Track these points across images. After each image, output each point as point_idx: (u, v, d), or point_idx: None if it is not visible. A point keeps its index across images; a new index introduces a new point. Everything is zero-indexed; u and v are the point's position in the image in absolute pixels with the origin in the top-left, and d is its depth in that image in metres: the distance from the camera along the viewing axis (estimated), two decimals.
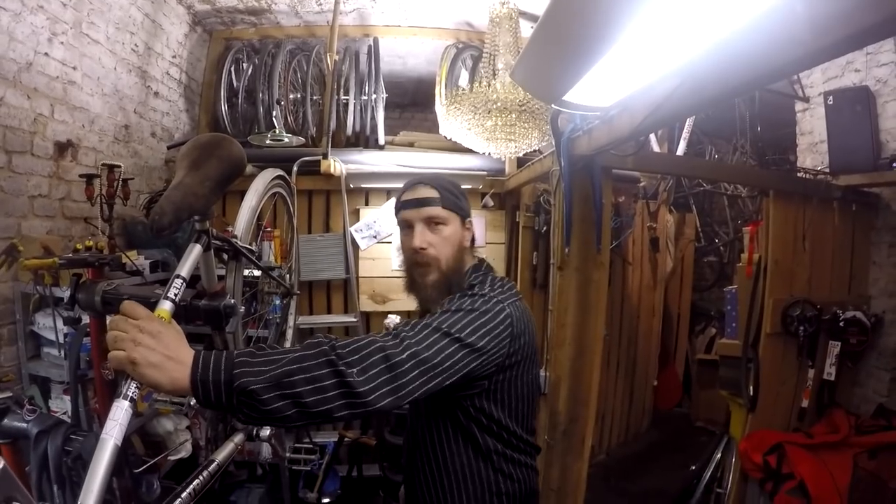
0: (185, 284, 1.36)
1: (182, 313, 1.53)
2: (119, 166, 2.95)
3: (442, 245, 1.59)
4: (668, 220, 5.22)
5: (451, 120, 2.99)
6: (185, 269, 1.38)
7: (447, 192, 1.61)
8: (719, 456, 3.66)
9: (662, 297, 5.25)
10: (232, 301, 1.53)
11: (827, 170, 3.35)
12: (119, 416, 1.12)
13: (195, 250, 1.44)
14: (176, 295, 1.32)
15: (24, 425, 2.05)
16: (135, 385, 1.17)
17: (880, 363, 3.24)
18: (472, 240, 1.70)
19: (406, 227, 1.64)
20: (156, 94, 3.93)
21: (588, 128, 2.23)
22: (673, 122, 2.72)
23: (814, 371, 3.22)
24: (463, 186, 1.70)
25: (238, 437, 1.85)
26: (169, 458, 2.99)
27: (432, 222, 1.59)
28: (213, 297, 1.54)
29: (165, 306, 1.30)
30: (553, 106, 1.61)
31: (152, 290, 1.48)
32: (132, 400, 1.15)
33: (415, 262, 1.62)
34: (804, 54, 1.07)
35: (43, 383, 2.74)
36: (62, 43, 2.91)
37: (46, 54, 2.81)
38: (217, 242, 1.61)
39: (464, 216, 1.65)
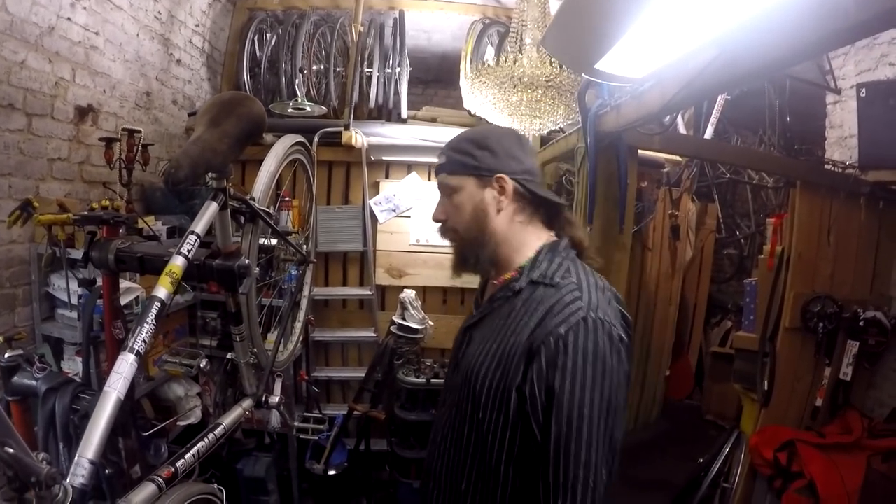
0: (198, 241, 1.34)
1: (195, 272, 1.52)
2: (139, 131, 2.94)
3: (455, 215, 1.43)
4: (691, 209, 5.15)
5: (475, 94, 2.94)
6: (199, 225, 1.36)
7: (455, 152, 1.42)
8: (728, 450, 3.61)
9: (680, 287, 5.18)
10: (246, 262, 1.52)
11: (856, 164, 3.26)
12: (124, 369, 1.11)
13: (211, 208, 1.42)
14: (189, 251, 1.31)
15: (34, 383, 2.05)
16: (142, 339, 1.16)
17: None
18: (533, 200, 1.41)
19: None
20: (178, 62, 3.90)
21: (617, 103, 2.18)
22: (705, 97, 2.64)
23: (830, 370, 3.17)
24: None
25: (246, 403, 1.84)
26: (178, 423, 3.01)
27: (445, 192, 1.45)
28: (227, 258, 1.52)
29: (178, 262, 1.28)
30: (584, 75, 1.55)
31: (166, 250, 1.46)
32: (138, 354, 1.14)
33: (443, 236, 1.52)
34: (846, 27, 1.02)
35: (56, 344, 2.74)
36: (85, 8, 2.89)
37: (69, 19, 2.79)
38: (234, 203, 1.59)
39: (482, 175, 1.39)
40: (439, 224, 1.49)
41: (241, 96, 1.57)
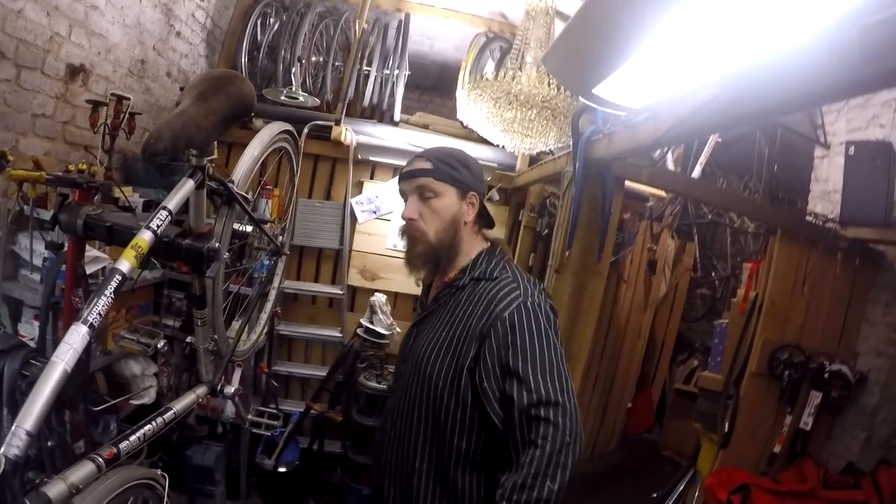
0: (170, 217, 1.30)
1: (163, 249, 1.48)
2: (128, 98, 2.89)
3: (431, 217, 1.58)
4: (669, 245, 5.17)
5: (470, 105, 2.92)
6: (172, 201, 1.32)
7: (443, 163, 1.58)
8: (682, 487, 3.62)
9: (651, 321, 5.20)
10: (216, 245, 1.48)
11: (837, 219, 3.30)
12: (74, 340, 1.06)
13: (187, 185, 1.38)
14: (158, 226, 1.27)
15: None
16: (97, 312, 1.12)
17: (857, 421, 3.21)
18: (482, 216, 1.66)
19: (403, 198, 1.65)
20: (178, 34, 3.85)
21: (610, 132, 2.18)
22: (699, 136, 2.67)
23: (791, 418, 3.20)
24: None
25: (201, 390, 1.79)
26: (131, 401, 2.93)
27: (423, 194, 1.58)
28: (197, 238, 1.48)
29: (145, 236, 1.24)
30: (581, 99, 1.54)
31: (138, 222, 1.42)
32: (92, 326, 1.10)
33: (404, 232, 1.65)
34: (851, 82, 1.03)
35: (15, 305, 2.66)
36: None
37: None
38: (212, 183, 1.54)
39: (463, 189, 1.60)
40: (406, 223, 1.61)
41: (232, 74, 1.53)
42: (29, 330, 2.61)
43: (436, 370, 1.48)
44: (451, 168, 1.58)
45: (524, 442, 1.30)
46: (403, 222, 1.64)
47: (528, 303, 1.42)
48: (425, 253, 1.59)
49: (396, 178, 4.02)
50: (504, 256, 1.62)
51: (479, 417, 1.42)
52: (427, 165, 1.58)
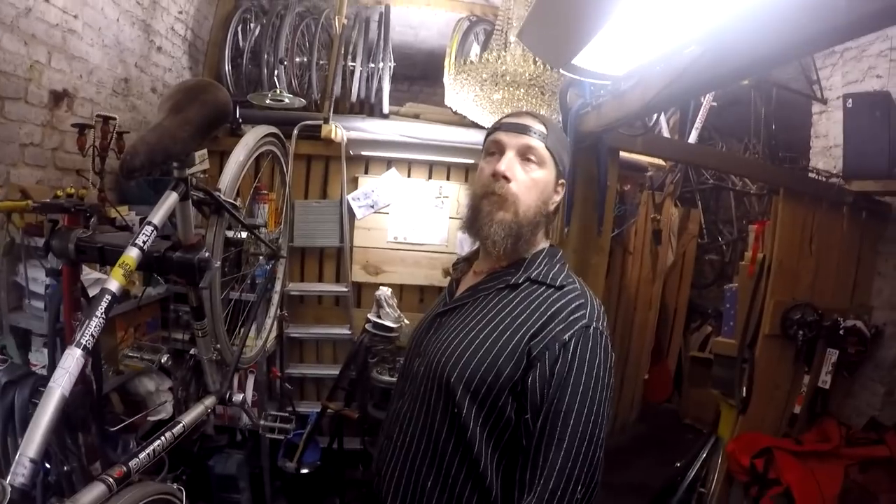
0: (155, 232, 1.29)
1: (155, 265, 1.47)
2: (114, 118, 2.86)
3: (528, 187, 1.33)
4: (673, 214, 5.14)
5: (458, 90, 2.90)
6: (157, 216, 1.31)
7: (554, 134, 1.37)
8: (705, 455, 3.60)
9: (660, 291, 5.18)
10: (206, 255, 1.46)
11: (840, 174, 3.26)
12: (69, 364, 1.05)
13: (170, 198, 1.37)
14: (145, 242, 1.25)
15: None
16: (90, 333, 1.11)
17: (876, 376, 3.18)
18: (557, 211, 1.45)
19: (492, 151, 1.38)
20: (159, 49, 3.82)
21: (598, 103, 2.15)
22: (689, 97, 2.61)
23: (809, 377, 3.17)
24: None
25: (209, 401, 1.79)
26: (148, 418, 2.94)
27: (528, 156, 1.33)
28: (187, 250, 1.47)
29: (132, 253, 1.23)
30: (562, 70, 1.50)
31: (127, 240, 1.40)
32: (86, 348, 1.09)
33: (490, 192, 1.34)
34: (837, 25, 0.99)
35: (24, 335, 2.66)
36: None
37: (47, 1, 2.70)
38: (197, 193, 1.53)
39: (560, 171, 1.38)
40: (497, 180, 1.33)
41: (205, 83, 1.51)
42: (40, 358, 2.61)
43: (464, 379, 1.25)
44: (559, 143, 1.38)
45: (529, 486, 1.18)
46: (481, 179, 1.38)
47: (592, 329, 1.24)
48: (509, 225, 1.31)
49: (391, 171, 4.11)
50: (565, 261, 1.41)
51: (509, 443, 1.25)
52: (541, 127, 1.34)
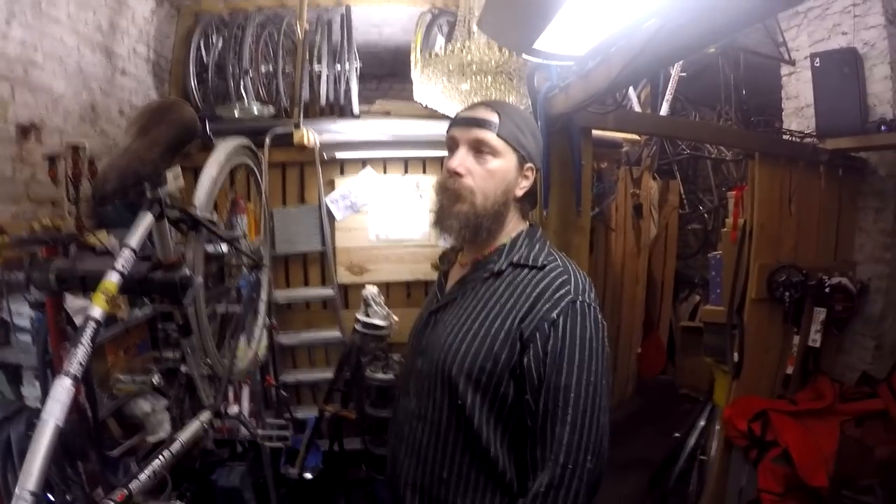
0: (134, 255, 1.29)
1: (137, 287, 1.47)
2: (83, 146, 2.84)
3: (484, 178, 1.34)
4: (652, 187, 5.16)
5: (426, 84, 2.89)
6: (134, 239, 1.31)
7: (510, 120, 1.36)
8: (703, 423, 3.64)
9: (646, 265, 5.21)
10: (188, 272, 1.46)
11: (814, 133, 3.28)
12: (60, 394, 1.05)
13: (146, 219, 1.37)
14: (124, 266, 1.25)
15: None
16: (78, 362, 1.11)
17: (865, 330, 3.21)
18: (529, 195, 1.43)
19: (450, 147, 1.41)
20: (123, 72, 3.78)
21: (565, 84, 2.16)
22: (654, 71, 2.62)
23: (799, 338, 3.19)
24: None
25: (204, 416, 1.79)
26: (147, 439, 2.93)
27: (480, 149, 1.35)
28: (168, 269, 1.46)
29: (112, 278, 1.23)
30: (524, 55, 1.51)
31: (107, 265, 1.40)
32: (75, 377, 1.09)
33: (445, 187, 1.38)
34: None
35: (14, 371, 2.64)
36: (21, 23, 2.76)
37: (4, 35, 2.66)
38: (172, 212, 1.53)
39: (523, 156, 1.38)
40: (450, 176, 1.37)
41: (169, 103, 1.52)
42: (32, 392, 2.59)
43: (464, 370, 1.29)
44: (518, 129, 1.36)
45: (543, 462, 1.22)
46: (441, 175, 1.42)
47: (579, 302, 1.27)
48: (466, 215, 1.35)
49: (366, 170, 4.10)
50: (545, 239, 1.43)
51: (516, 426, 1.30)
52: (493, 117, 1.35)
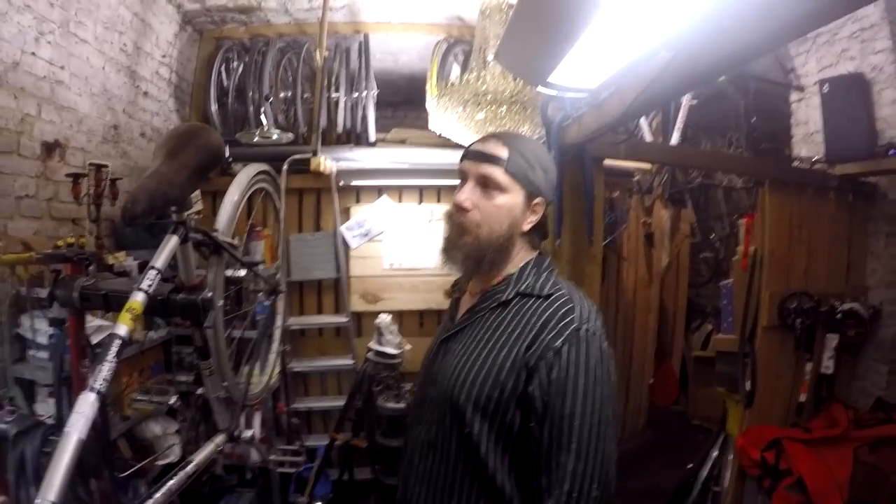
0: (159, 276, 1.32)
1: (159, 308, 1.50)
2: (106, 166, 2.90)
3: (488, 213, 1.36)
4: (664, 216, 5.18)
5: (441, 113, 2.94)
6: (160, 260, 1.34)
7: (520, 156, 1.36)
8: (716, 453, 3.61)
9: (658, 294, 5.21)
10: (209, 294, 1.49)
11: (823, 159, 3.30)
12: (84, 408, 1.08)
13: (171, 241, 1.40)
14: (150, 286, 1.28)
15: (3, 427, 2.01)
16: (103, 378, 1.13)
17: (878, 356, 3.19)
18: (538, 227, 1.44)
19: (461, 178, 1.42)
20: (145, 94, 3.87)
21: (579, 114, 2.19)
22: (666, 101, 2.65)
23: (811, 364, 3.17)
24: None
25: (219, 438, 1.81)
26: (157, 462, 2.94)
27: (487, 184, 1.35)
28: (190, 291, 1.50)
29: (138, 298, 1.26)
30: (539, 88, 1.55)
31: (130, 285, 1.44)
32: (99, 392, 1.11)
33: (452, 220, 1.41)
34: (810, 11, 1.01)
35: (29, 386, 2.67)
36: (49, 42, 2.85)
37: (33, 54, 2.75)
38: (196, 235, 1.57)
39: (532, 192, 1.38)
40: (458, 210, 1.38)
41: (197, 127, 1.56)
42: (45, 409, 2.62)
43: (472, 399, 1.30)
44: (527, 165, 1.36)
45: (549, 490, 1.22)
46: (451, 206, 1.42)
47: (583, 331, 1.27)
48: (470, 247, 1.37)
49: (382, 198, 4.14)
50: (552, 268, 1.44)
51: (523, 454, 1.29)
52: (502, 153, 1.35)
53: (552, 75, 1.42)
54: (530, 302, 1.35)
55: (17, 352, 2.67)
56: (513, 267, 1.41)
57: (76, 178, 2.78)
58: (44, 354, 2.58)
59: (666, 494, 3.79)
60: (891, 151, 2.96)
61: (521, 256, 1.43)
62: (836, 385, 3.17)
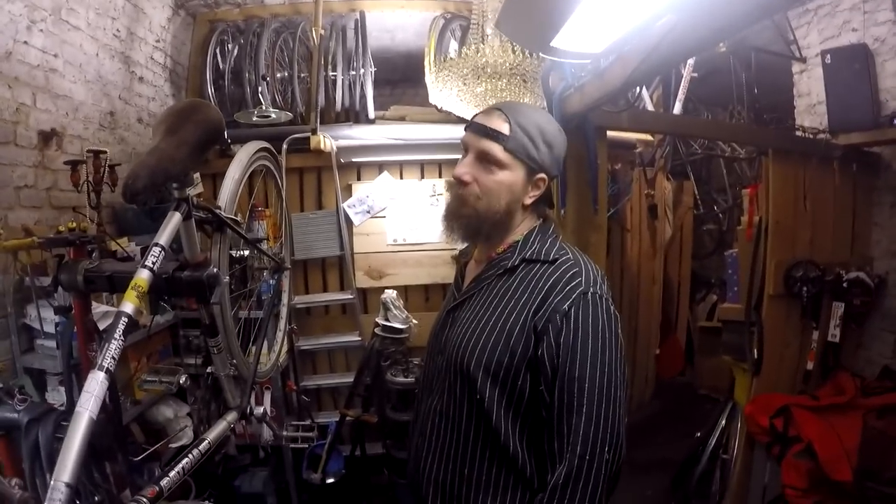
0: (163, 253, 1.31)
1: (164, 286, 1.49)
2: (104, 152, 2.88)
3: (487, 187, 1.36)
4: (666, 188, 5.15)
5: (440, 88, 2.92)
6: (163, 237, 1.33)
7: (524, 133, 1.34)
8: (724, 422, 3.63)
9: (662, 266, 5.20)
10: (215, 270, 1.49)
11: (826, 129, 3.28)
12: (94, 387, 1.07)
13: (174, 218, 1.39)
14: (154, 263, 1.28)
15: (15, 415, 2.02)
16: (111, 356, 1.13)
17: (884, 325, 3.19)
18: (543, 200, 1.44)
19: (464, 149, 1.42)
20: (140, 79, 3.84)
21: (580, 83, 2.17)
22: (668, 67, 2.63)
23: (818, 333, 3.17)
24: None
25: (231, 416, 1.81)
26: (170, 445, 2.96)
27: (487, 158, 1.35)
28: (195, 269, 1.49)
29: (143, 275, 1.25)
30: (541, 54, 1.53)
31: (135, 267, 1.43)
32: (108, 371, 1.11)
33: (453, 191, 1.42)
34: None
35: (38, 375, 2.68)
36: (41, 31, 2.82)
37: (26, 42, 2.71)
38: (199, 213, 1.56)
39: (533, 169, 1.37)
40: (459, 183, 1.39)
41: (196, 103, 1.54)
42: (56, 397, 2.64)
43: (482, 365, 1.30)
44: (530, 141, 1.34)
45: (560, 454, 1.22)
46: (454, 179, 1.42)
47: (590, 294, 1.27)
48: (468, 218, 1.38)
49: (383, 175, 4.13)
50: (557, 235, 1.44)
51: (535, 420, 1.30)
52: (503, 129, 1.34)
53: (554, 40, 1.41)
54: (536, 267, 1.35)
55: (26, 342, 2.68)
56: (518, 234, 1.42)
57: (75, 164, 2.77)
58: (52, 343, 2.59)
59: (675, 464, 3.81)
60: (894, 121, 2.96)
61: (526, 224, 1.43)
62: (843, 353, 3.18)
